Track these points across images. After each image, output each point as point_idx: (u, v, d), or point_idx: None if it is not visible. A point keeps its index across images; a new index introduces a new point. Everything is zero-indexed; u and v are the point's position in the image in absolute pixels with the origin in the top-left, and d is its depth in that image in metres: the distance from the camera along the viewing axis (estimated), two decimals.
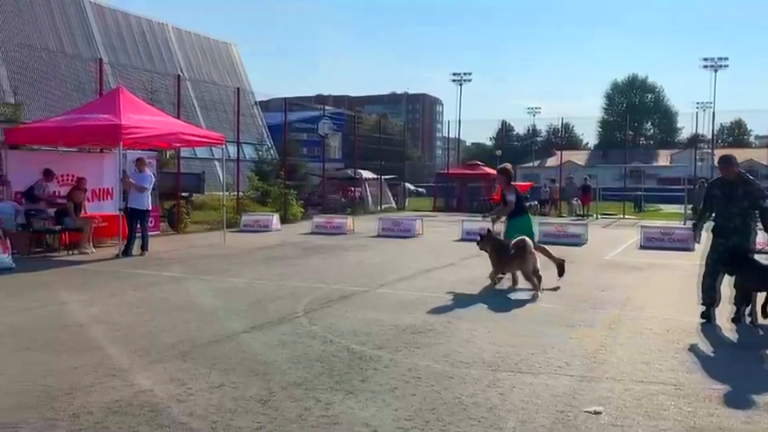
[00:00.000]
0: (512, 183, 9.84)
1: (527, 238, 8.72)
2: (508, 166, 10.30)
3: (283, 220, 20.11)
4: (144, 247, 12.35)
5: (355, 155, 31.95)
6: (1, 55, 18.40)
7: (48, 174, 12.79)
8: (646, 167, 62.63)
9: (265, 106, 48.42)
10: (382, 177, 31.68)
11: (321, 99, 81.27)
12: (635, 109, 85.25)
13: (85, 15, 33.92)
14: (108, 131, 12.10)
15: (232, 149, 20.86)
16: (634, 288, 9.36)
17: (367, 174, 31.15)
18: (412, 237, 16.89)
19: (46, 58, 29.51)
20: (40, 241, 12.69)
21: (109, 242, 13.66)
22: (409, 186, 41.63)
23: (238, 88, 21.94)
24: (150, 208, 12.78)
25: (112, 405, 4.35)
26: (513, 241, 8.75)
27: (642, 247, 14.80)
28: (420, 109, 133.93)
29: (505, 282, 9.17)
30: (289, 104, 27.45)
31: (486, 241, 9.15)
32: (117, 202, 13.69)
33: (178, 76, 20.03)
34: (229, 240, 14.91)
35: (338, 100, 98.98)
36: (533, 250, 8.71)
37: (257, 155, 28.90)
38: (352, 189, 30.68)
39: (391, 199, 33.24)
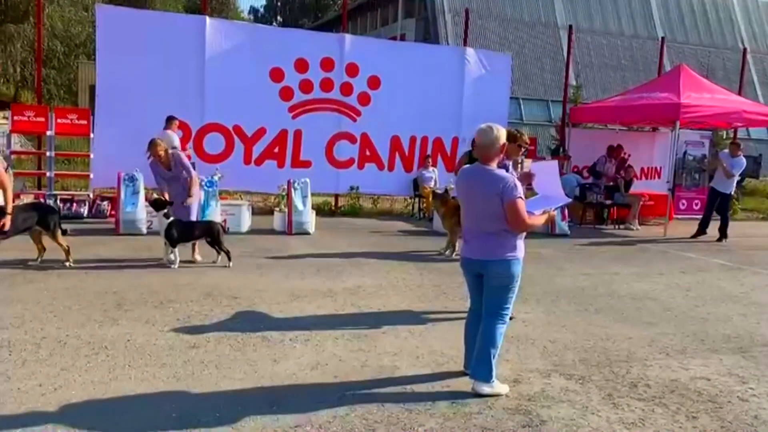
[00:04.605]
0: None
1: None
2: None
3: None
4: (723, 232, 11.75)
5: None
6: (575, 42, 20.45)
7: (610, 150, 13.51)
8: None
9: None
10: None
11: None
12: None
13: None
14: (666, 110, 12.04)
15: None
16: None
17: None
18: None
19: (605, 41, 31.17)
20: (592, 213, 13.65)
21: (653, 221, 13.73)
22: None
23: None
24: (732, 192, 12.01)
25: (669, 384, 4.38)
26: None
27: None
28: None
29: None
30: None
31: (441, 199, 9.04)
32: (665, 182, 13.61)
33: (744, 50, 18.34)
34: None
35: None
36: None
37: None
38: None
39: None
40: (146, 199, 9.05)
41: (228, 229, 8.17)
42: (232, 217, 9.77)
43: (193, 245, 7.67)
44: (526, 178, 4.75)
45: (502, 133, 4.04)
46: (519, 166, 7.95)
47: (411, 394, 4.00)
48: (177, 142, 10.06)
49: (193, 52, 11.38)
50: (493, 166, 4.02)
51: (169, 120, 10.19)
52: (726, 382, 4.47)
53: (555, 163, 5.37)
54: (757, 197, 19.65)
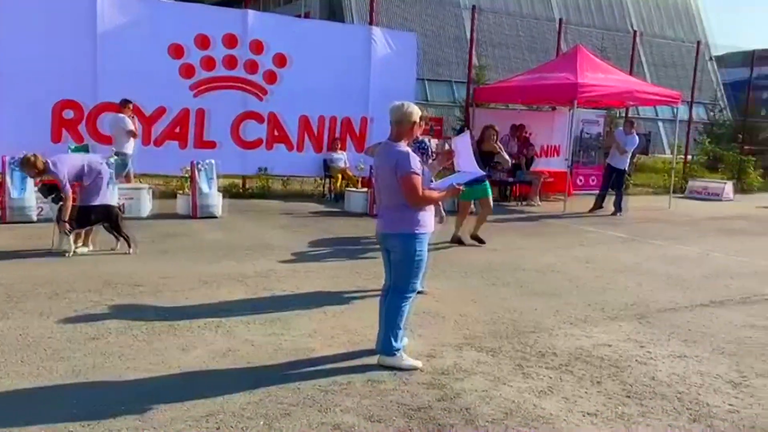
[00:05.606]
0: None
1: None
2: None
3: (737, 190, 17.94)
4: (617, 206, 12.38)
5: None
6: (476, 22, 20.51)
7: (513, 130, 13.93)
8: None
9: (720, 60, 43.28)
10: None
11: None
12: None
13: None
14: (564, 90, 12.51)
15: (680, 109, 19.42)
16: None
17: None
18: None
19: (506, 21, 31.94)
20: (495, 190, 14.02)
21: (553, 197, 14.30)
22: None
23: (698, 42, 20.08)
24: (626, 168, 12.68)
25: (574, 351, 4.57)
26: None
27: None
28: None
29: None
30: (755, 57, 23.83)
31: None
32: (563, 159, 14.20)
33: (635, 32, 19.33)
34: (675, 206, 14.03)
35: None
36: None
37: (708, 116, 26.26)
38: None
39: None
40: (35, 185, 8.44)
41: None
42: (131, 201, 9.29)
43: (87, 233, 7.18)
44: (448, 156, 4.76)
45: (413, 110, 4.07)
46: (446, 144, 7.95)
47: (327, 375, 3.94)
48: (131, 126, 9.93)
49: (84, 27, 10.67)
50: (401, 143, 4.05)
51: (123, 103, 10.02)
52: (626, 347, 4.72)
53: (467, 135, 5.43)
54: (647, 173, 20.90)
